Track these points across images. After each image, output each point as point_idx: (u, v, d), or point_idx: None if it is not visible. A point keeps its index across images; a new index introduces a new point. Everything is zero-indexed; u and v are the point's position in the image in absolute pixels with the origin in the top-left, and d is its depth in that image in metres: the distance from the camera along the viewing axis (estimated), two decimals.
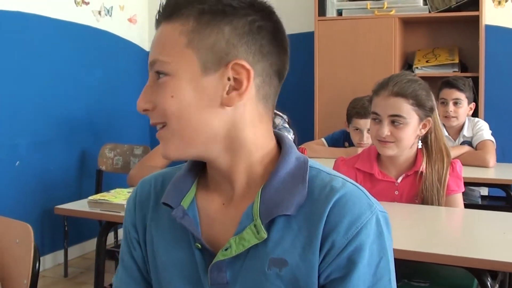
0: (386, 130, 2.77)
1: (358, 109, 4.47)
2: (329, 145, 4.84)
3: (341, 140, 4.87)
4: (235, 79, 1.22)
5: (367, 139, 4.39)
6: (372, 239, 1.21)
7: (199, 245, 1.27)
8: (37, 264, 2.11)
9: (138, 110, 1.25)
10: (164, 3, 1.26)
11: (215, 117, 1.23)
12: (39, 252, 2.14)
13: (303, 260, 1.21)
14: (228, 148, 1.26)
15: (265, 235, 1.21)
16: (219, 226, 1.29)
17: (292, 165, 1.27)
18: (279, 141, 1.33)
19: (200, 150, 1.25)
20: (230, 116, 1.24)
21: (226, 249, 1.24)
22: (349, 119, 4.57)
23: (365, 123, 4.37)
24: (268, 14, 1.26)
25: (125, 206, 2.72)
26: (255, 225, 1.22)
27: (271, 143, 1.31)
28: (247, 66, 1.21)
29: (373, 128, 2.85)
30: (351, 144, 4.70)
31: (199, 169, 1.36)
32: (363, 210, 1.21)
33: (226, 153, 1.26)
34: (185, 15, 1.22)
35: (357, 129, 4.51)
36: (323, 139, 4.88)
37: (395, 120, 2.77)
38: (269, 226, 1.22)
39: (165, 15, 1.25)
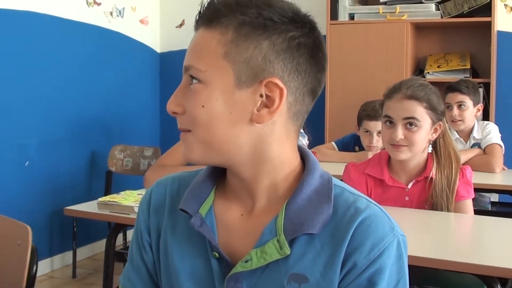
0: (400, 133, 2.76)
1: (369, 111, 4.48)
2: (339, 149, 4.84)
3: (351, 144, 4.88)
4: (267, 96, 1.21)
5: (377, 142, 4.41)
6: (392, 261, 1.22)
7: (217, 254, 1.26)
8: (34, 267, 2.08)
9: (168, 111, 1.25)
10: (204, 8, 1.24)
11: (243, 132, 1.22)
12: (37, 254, 2.12)
13: (324, 278, 1.21)
14: (253, 160, 1.25)
15: (288, 252, 1.21)
16: (237, 236, 1.29)
17: (317, 182, 1.27)
18: (303, 156, 1.32)
19: (223, 159, 1.25)
20: (258, 132, 1.23)
21: (246, 261, 1.23)
22: (359, 121, 4.58)
23: (375, 126, 4.38)
24: (310, 30, 1.24)
25: (134, 208, 2.73)
26: (278, 240, 1.21)
27: (296, 160, 1.31)
28: (281, 85, 1.20)
29: (385, 132, 2.84)
30: (362, 148, 4.71)
31: (218, 176, 1.35)
32: (385, 232, 1.22)
33: (250, 164, 1.25)
34: (224, 24, 1.20)
35: (367, 132, 4.51)
36: (333, 143, 4.88)
37: (410, 122, 2.76)
38: (291, 242, 1.22)
39: (205, 21, 1.23)
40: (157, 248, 1.38)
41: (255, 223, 1.27)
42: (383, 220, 1.24)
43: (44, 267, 5.23)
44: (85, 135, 5.65)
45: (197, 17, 1.25)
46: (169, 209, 1.37)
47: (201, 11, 1.24)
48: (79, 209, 3.16)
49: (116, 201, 2.97)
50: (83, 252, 5.63)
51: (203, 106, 1.20)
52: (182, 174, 1.43)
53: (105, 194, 5.07)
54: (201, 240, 1.29)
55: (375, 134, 4.45)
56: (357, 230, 1.21)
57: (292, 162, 1.29)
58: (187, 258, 1.31)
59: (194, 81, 1.21)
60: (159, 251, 1.37)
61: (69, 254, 5.38)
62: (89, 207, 3.15)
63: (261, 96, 1.20)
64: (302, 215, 1.22)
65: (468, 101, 4.41)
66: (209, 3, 1.23)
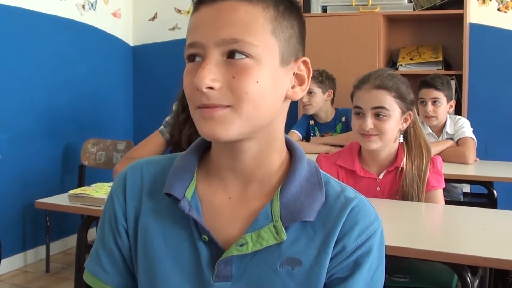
0: (369, 123, 2.78)
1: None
2: (300, 133, 5.13)
3: (306, 122, 5.19)
4: (297, 75, 1.28)
5: (309, 101, 4.96)
6: (376, 246, 1.29)
7: (206, 238, 1.26)
8: None
9: (199, 87, 1.16)
10: None
11: (277, 108, 1.25)
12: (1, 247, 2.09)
13: (317, 262, 1.25)
14: (268, 138, 1.27)
15: (285, 237, 1.24)
16: (226, 220, 1.29)
17: (305, 170, 1.32)
18: (289, 144, 1.36)
19: (252, 136, 1.24)
20: (282, 110, 1.29)
21: (241, 245, 1.24)
22: None
23: None
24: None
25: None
26: (274, 226, 1.24)
27: (284, 146, 1.34)
28: (309, 64, 1.29)
29: (355, 122, 2.86)
30: (315, 121, 5.11)
31: (199, 159, 1.36)
32: (372, 219, 1.29)
33: (265, 141, 1.27)
34: (263, 3, 1.21)
35: None
36: (295, 131, 5.12)
37: (379, 112, 2.78)
38: (286, 228, 1.25)
39: None
40: (134, 234, 1.34)
41: (246, 207, 1.29)
42: (369, 209, 1.30)
43: (17, 261, 5.19)
44: (57, 129, 5.62)
45: None
46: (148, 193, 1.35)
47: None
48: (51, 202, 3.14)
49: (87, 194, 2.96)
50: (57, 246, 5.60)
51: (257, 82, 1.18)
52: (155, 158, 1.42)
53: (78, 188, 5.04)
54: (186, 223, 1.29)
55: (305, 94, 4.67)
56: (348, 217, 1.26)
57: (285, 147, 1.34)
58: (171, 242, 1.30)
59: (240, 56, 1.18)
60: (136, 236, 1.34)
61: (42, 249, 5.35)
62: (60, 200, 3.12)
63: (294, 74, 1.27)
64: (298, 203, 1.26)
65: (442, 97, 4.45)
66: None
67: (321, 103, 4.97)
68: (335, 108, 5.08)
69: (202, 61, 1.19)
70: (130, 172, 1.39)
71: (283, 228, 1.24)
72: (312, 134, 5.10)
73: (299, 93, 1.29)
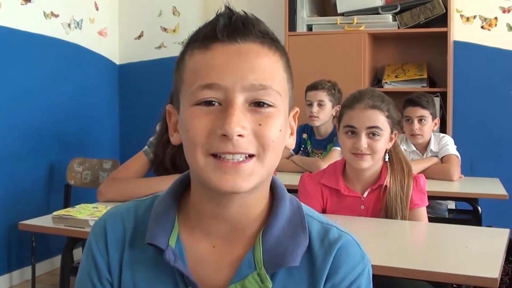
0: (364, 142, 2.80)
1: (312, 83, 4.88)
2: (294, 149, 4.91)
3: (299, 135, 5.05)
4: (290, 125, 1.29)
5: (318, 113, 4.75)
6: (364, 287, 1.25)
7: None
8: None
9: (230, 134, 1.11)
10: (261, 28, 1.20)
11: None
12: None
13: None
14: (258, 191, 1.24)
15: (270, 285, 1.20)
16: (211, 269, 1.24)
17: (288, 210, 1.27)
18: (270, 183, 1.30)
19: (259, 185, 1.22)
20: None
21: None
22: (305, 96, 4.89)
23: (315, 95, 4.76)
24: None
25: (89, 222, 2.70)
26: (258, 274, 1.20)
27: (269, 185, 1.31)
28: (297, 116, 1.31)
29: (348, 141, 2.86)
30: (309, 134, 5.01)
31: (178, 202, 1.30)
32: (357, 261, 1.24)
33: (252, 195, 1.23)
34: (279, 50, 1.22)
35: (309, 104, 4.78)
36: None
37: (374, 132, 2.81)
38: (271, 275, 1.21)
39: (263, 39, 1.19)
40: (118, 285, 1.28)
41: (230, 255, 1.24)
42: (354, 249, 1.26)
43: (2, 282, 5.16)
44: (43, 148, 5.60)
45: (240, 23, 1.18)
46: (130, 243, 1.29)
47: (246, 20, 1.19)
48: (34, 223, 3.11)
49: (71, 215, 2.94)
50: (43, 267, 5.57)
51: (280, 131, 1.18)
52: (134, 203, 1.35)
53: (64, 208, 5.01)
54: (170, 273, 1.23)
55: (315, 104, 4.74)
56: (334, 261, 1.22)
57: (267, 190, 1.29)
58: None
59: (265, 105, 1.16)
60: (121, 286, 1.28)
61: (28, 269, 5.31)
62: (44, 222, 3.09)
63: (290, 124, 1.28)
64: (281, 247, 1.22)
65: (428, 115, 4.48)
66: (255, 19, 1.21)
67: (328, 117, 4.82)
68: (334, 124, 4.87)
69: (221, 106, 1.15)
70: (109, 221, 1.32)
71: (267, 276, 1.19)
72: (302, 148, 5.02)
73: (292, 143, 1.29)
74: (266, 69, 1.16)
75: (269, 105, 1.16)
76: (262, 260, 1.20)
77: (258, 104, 1.16)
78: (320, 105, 4.76)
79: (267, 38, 1.20)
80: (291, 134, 1.29)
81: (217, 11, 1.20)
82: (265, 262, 1.20)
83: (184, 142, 1.20)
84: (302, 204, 1.31)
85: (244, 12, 1.20)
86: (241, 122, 1.12)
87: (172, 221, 1.26)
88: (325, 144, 4.87)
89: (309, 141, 5.00)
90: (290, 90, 1.24)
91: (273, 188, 1.30)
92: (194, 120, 1.16)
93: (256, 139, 1.15)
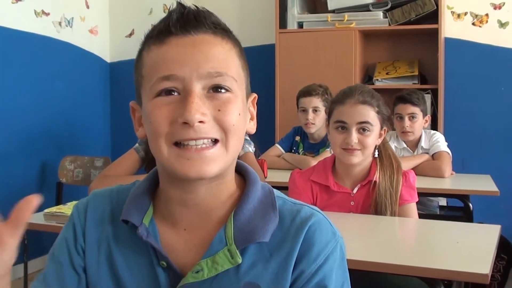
0: (354, 137, 2.81)
1: (303, 89, 4.79)
2: (284, 148, 4.96)
3: (292, 137, 5.03)
4: (249, 110, 1.33)
5: (313, 119, 4.70)
6: (337, 264, 1.26)
7: (165, 264, 1.26)
8: None
9: (191, 121, 1.16)
10: (205, 12, 1.25)
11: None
12: None
13: (276, 286, 1.23)
14: (223, 174, 1.27)
15: (240, 260, 1.22)
16: (183, 249, 1.28)
17: (260, 193, 1.31)
18: (242, 170, 1.36)
19: (225, 170, 1.26)
20: None
21: (197, 272, 1.23)
22: (297, 103, 4.83)
23: (309, 101, 4.69)
24: None
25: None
26: (229, 250, 1.23)
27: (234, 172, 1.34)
28: (255, 102, 1.36)
29: (338, 137, 2.87)
30: (302, 137, 4.95)
31: (154, 189, 1.35)
32: (329, 238, 1.26)
33: (218, 180, 1.27)
34: (232, 40, 1.26)
35: (303, 110, 4.73)
36: (277, 145, 4.97)
37: (364, 127, 2.82)
38: (242, 251, 1.23)
39: (214, 29, 1.24)
40: (92, 256, 1.33)
41: (201, 236, 1.27)
42: (326, 227, 1.28)
43: None
44: (34, 146, 5.59)
45: (192, 16, 1.22)
46: (108, 221, 1.35)
47: (198, 13, 1.23)
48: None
49: (63, 212, 2.95)
50: (35, 264, 5.56)
51: (239, 114, 1.23)
52: (117, 187, 1.42)
53: (56, 206, 5.00)
54: (146, 250, 1.28)
55: (310, 111, 4.68)
56: (305, 239, 1.24)
57: (235, 175, 1.34)
58: (133, 269, 1.30)
59: (222, 91, 1.21)
60: (96, 260, 1.33)
61: (20, 267, 5.29)
62: (36, 219, 3.11)
63: (249, 110, 1.33)
64: (251, 225, 1.25)
65: (418, 113, 4.48)
66: (206, 12, 1.25)
67: (322, 122, 4.75)
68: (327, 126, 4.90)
69: (180, 96, 1.19)
70: (92, 200, 1.39)
71: (237, 252, 1.22)
72: (293, 150, 4.99)
73: (253, 128, 1.34)
74: (220, 57, 1.21)
75: (226, 90, 1.21)
76: (233, 236, 1.23)
77: (216, 89, 1.20)
78: (315, 110, 4.72)
79: (219, 29, 1.24)
80: (251, 119, 1.34)
81: (170, 7, 1.28)
82: (236, 239, 1.23)
83: (148, 134, 1.25)
84: (277, 191, 1.35)
85: (196, 6, 1.25)
86: (200, 109, 1.17)
87: (147, 204, 1.31)
88: (317, 148, 4.85)
89: (302, 144, 4.97)
90: (246, 77, 1.30)
91: (245, 174, 1.34)
92: (155, 111, 1.20)
93: (217, 124, 1.19)
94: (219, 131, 1.20)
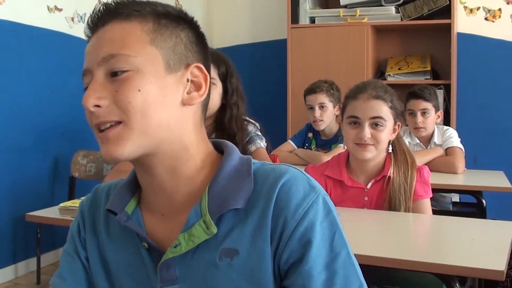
0: (367, 132, 2.80)
1: (308, 87, 4.78)
2: (296, 144, 4.96)
3: (305, 133, 5.02)
4: (192, 81, 1.29)
5: (321, 116, 4.69)
6: (321, 216, 1.24)
7: (146, 245, 1.29)
8: None
9: (86, 107, 1.21)
10: (113, 2, 1.28)
11: (173, 116, 1.25)
12: None
13: (254, 248, 1.23)
14: (175, 148, 1.27)
15: (215, 230, 1.23)
16: (164, 229, 1.31)
17: (236, 162, 1.31)
18: (220, 146, 1.37)
19: (153, 149, 1.25)
20: (184, 117, 1.28)
21: (175, 246, 1.25)
22: (304, 101, 4.82)
23: (315, 99, 4.68)
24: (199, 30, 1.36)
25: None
26: (204, 221, 1.24)
27: (209, 147, 1.35)
28: (205, 70, 1.31)
29: (351, 132, 2.87)
30: (315, 135, 4.93)
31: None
32: (307, 191, 1.24)
33: (172, 152, 1.28)
34: (142, 15, 1.26)
35: (311, 108, 4.73)
36: (290, 141, 4.98)
37: (377, 122, 2.81)
38: (218, 221, 1.25)
39: (115, 14, 1.26)
40: (92, 246, 1.41)
41: (180, 214, 1.29)
42: (303, 181, 1.26)
43: (8, 273, 5.17)
44: (47, 141, 5.60)
45: (100, 14, 1.28)
46: (104, 211, 1.41)
47: (105, 7, 1.28)
48: (41, 214, 3.14)
49: (77, 206, 2.96)
50: (48, 258, 5.58)
51: (139, 90, 1.21)
52: (121, 180, 1.45)
53: (69, 200, 5.02)
54: (131, 234, 1.33)
55: (316, 108, 4.68)
56: (279, 195, 1.23)
57: (205, 149, 1.34)
58: (120, 253, 1.36)
59: (120, 72, 1.21)
60: (95, 249, 1.41)
61: (33, 261, 5.33)
62: (51, 213, 3.13)
63: (188, 80, 1.28)
64: (225, 193, 1.25)
65: (431, 108, 4.46)
66: (118, 3, 1.28)
67: (331, 118, 4.77)
68: (339, 123, 4.78)
69: None
70: (94, 193, 1.48)
71: (212, 222, 1.23)
72: (306, 147, 4.98)
73: (197, 98, 1.29)
74: (115, 38, 1.24)
75: (123, 71, 1.21)
76: (207, 208, 1.24)
77: (113, 74, 1.22)
78: (321, 107, 4.72)
79: (124, 11, 1.26)
80: (196, 90, 1.30)
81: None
82: (210, 209, 1.24)
83: None
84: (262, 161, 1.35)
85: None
86: (95, 93, 1.21)
87: (130, 194, 1.37)
88: (330, 144, 4.84)
89: (314, 140, 4.97)
90: (169, 48, 1.26)
91: (224, 148, 1.35)
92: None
93: (116, 106, 1.21)
94: (120, 113, 1.21)
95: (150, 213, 1.34)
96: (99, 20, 1.27)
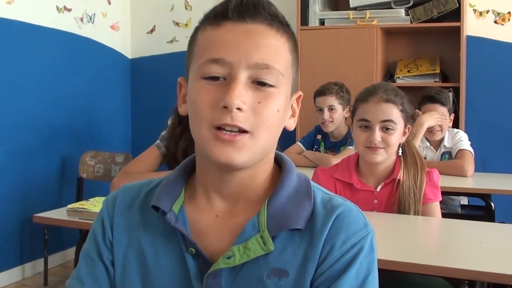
0: (378, 135, 2.80)
1: (318, 88, 4.82)
2: (305, 146, 4.99)
3: (314, 135, 5.04)
4: (292, 107, 1.32)
5: (330, 118, 4.73)
6: (364, 254, 1.24)
7: (193, 250, 1.26)
8: None
9: (229, 105, 1.17)
10: (271, 11, 1.25)
11: (278, 136, 1.28)
12: None
13: (303, 271, 1.22)
14: (262, 161, 1.29)
15: (272, 248, 1.22)
16: (213, 236, 1.28)
17: (295, 181, 1.31)
18: (278, 159, 1.36)
19: (255, 163, 1.26)
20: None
21: (228, 257, 1.23)
22: (314, 103, 4.84)
23: (324, 101, 4.72)
24: None
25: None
26: (261, 236, 1.23)
27: (273, 161, 1.35)
28: (300, 100, 1.35)
29: (361, 135, 2.87)
30: (324, 136, 4.95)
31: (187, 177, 1.37)
32: (359, 227, 1.26)
33: (256, 166, 1.28)
34: (287, 33, 1.26)
35: (320, 110, 4.76)
36: (299, 143, 5.01)
37: (387, 125, 2.81)
38: (273, 238, 1.23)
39: (271, 19, 1.24)
40: (120, 247, 1.34)
41: (233, 223, 1.28)
42: (357, 216, 1.28)
43: (15, 274, 5.18)
44: (55, 141, 5.61)
45: (252, 4, 1.23)
46: (139, 209, 1.36)
47: (258, 4, 1.24)
48: (49, 216, 3.14)
49: (86, 208, 2.96)
50: (55, 259, 5.59)
51: (278, 111, 1.22)
52: (149, 179, 1.43)
53: (77, 201, 5.02)
54: (175, 237, 1.29)
55: (326, 110, 4.71)
56: (333, 224, 1.24)
57: (272, 163, 1.34)
58: (160, 255, 1.30)
59: (267, 85, 1.21)
60: (123, 250, 1.34)
61: (40, 262, 5.33)
62: (58, 214, 3.13)
63: (291, 107, 1.31)
64: (285, 212, 1.25)
65: (446, 113, 4.46)
66: (266, 2, 1.25)
67: (340, 120, 4.79)
68: (348, 125, 4.82)
69: (225, 81, 1.20)
70: (122, 191, 1.42)
71: (270, 238, 1.22)
72: (315, 149, 4.98)
73: (293, 125, 1.33)
74: (271, 50, 1.21)
75: (270, 85, 1.21)
76: (266, 223, 1.24)
77: (260, 83, 1.20)
78: (331, 109, 4.74)
79: (276, 21, 1.24)
80: (292, 116, 1.33)
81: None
82: (269, 225, 1.23)
83: (190, 114, 1.26)
84: (313, 182, 1.35)
85: None
86: (241, 96, 1.18)
87: (178, 191, 1.33)
88: (339, 146, 4.84)
89: (323, 142, 4.96)
90: (295, 73, 1.29)
91: (282, 164, 1.34)
92: (200, 93, 1.22)
93: (252, 116, 1.19)
94: (252, 123, 1.19)
95: (200, 212, 1.31)
96: (247, 13, 1.22)
